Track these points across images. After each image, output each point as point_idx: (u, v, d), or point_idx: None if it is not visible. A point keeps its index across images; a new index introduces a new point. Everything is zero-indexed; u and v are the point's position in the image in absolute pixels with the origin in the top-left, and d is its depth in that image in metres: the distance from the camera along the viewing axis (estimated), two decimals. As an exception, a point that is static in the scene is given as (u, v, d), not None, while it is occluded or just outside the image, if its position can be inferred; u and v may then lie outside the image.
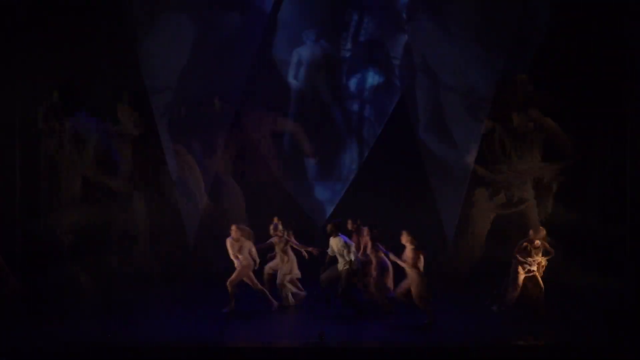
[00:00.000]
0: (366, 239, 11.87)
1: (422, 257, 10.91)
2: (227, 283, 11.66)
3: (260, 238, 12.16)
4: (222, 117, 14.98)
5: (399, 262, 10.97)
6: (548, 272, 14.04)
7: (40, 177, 13.62)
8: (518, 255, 11.57)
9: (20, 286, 12.01)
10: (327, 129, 15.37)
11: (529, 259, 11.53)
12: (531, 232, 11.73)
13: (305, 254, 12.20)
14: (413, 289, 10.87)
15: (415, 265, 10.81)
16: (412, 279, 10.90)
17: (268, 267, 12.44)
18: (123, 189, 14.40)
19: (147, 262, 14.32)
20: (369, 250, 11.75)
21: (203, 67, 14.82)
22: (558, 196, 14.77)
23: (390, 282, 11.74)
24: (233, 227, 11.90)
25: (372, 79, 15.26)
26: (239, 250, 11.77)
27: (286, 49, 15.23)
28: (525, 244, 11.64)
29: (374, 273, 11.68)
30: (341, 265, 11.49)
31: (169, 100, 14.85)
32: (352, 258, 11.38)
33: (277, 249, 12.24)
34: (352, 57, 15.25)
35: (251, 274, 11.88)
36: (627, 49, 12.98)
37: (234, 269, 11.75)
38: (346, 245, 11.40)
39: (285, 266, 12.19)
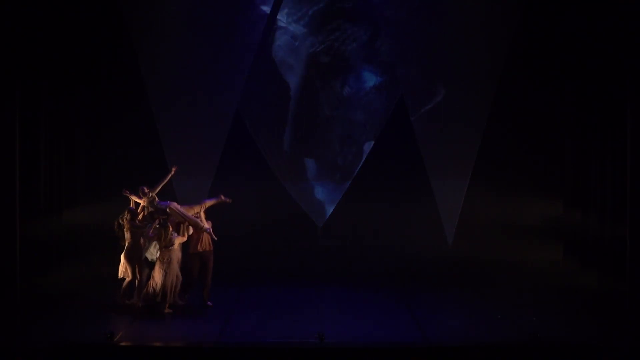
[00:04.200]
0: None
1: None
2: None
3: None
4: (222, 117, 14.99)
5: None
6: (547, 272, 14.15)
7: (40, 177, 13.60)
8: None
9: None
10: (326, 129, 15.37)
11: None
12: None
13: None
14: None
15: None
16: None
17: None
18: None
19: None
20: None
21: (203, 67, 14.83)
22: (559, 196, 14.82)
23: None
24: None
25: (372, 79, 15.26)
26: None
27: (286, 49, 15.23)
28: None
29: None
30: None
31: (168, 100, 14.87)
32: None
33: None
34: (351, 57, 15.25)
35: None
36: (628, 48, 12.96)
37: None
38: None
39: None
